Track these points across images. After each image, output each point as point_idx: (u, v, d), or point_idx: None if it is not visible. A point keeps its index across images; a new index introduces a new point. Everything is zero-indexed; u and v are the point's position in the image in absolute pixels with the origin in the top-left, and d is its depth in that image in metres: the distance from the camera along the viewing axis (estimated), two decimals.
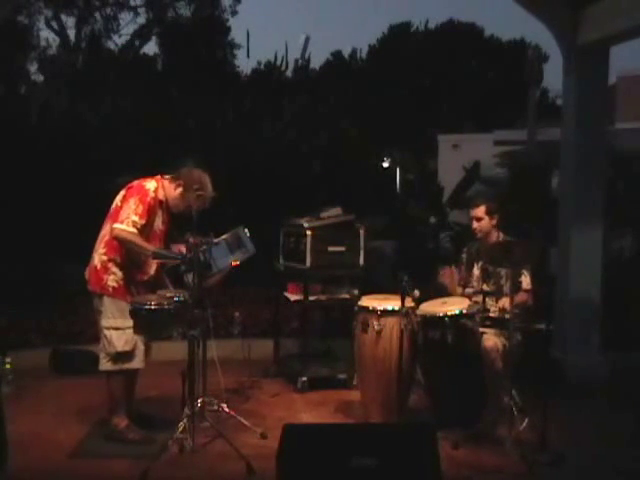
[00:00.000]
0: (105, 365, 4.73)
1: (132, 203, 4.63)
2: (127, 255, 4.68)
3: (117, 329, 4.65)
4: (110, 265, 4.68)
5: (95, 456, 4.61)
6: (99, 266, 4.69)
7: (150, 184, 4.76)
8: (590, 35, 6.28)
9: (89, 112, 8.80)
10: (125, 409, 4.82)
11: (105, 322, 4.69)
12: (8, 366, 5.89)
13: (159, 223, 4.79)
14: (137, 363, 4.73)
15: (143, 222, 4.61)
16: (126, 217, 4.59)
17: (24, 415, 5.11)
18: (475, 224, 5.28)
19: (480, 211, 5.25)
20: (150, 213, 4.67)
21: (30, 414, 5.26)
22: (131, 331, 4.59)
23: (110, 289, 4.67)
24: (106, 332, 4.69)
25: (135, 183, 4.78)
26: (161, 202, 4.78)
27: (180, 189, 4.78)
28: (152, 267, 4.81)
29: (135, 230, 4.57)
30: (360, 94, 16.95)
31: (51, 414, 5.32)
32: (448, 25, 26.34)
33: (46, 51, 20.45)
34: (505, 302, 4.92)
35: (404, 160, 11.55)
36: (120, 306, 4.66)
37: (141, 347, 4.71)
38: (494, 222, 5.25)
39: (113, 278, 4.67)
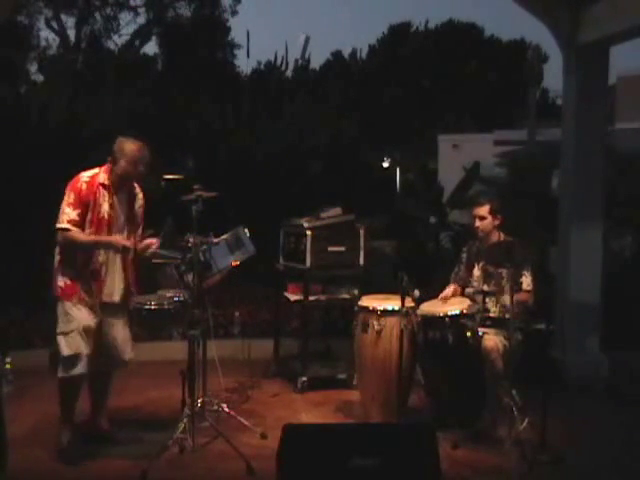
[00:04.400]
0: (59, 372, 4.62)
1: (66, 196, 4.52)
2: (74, 253, 4.54)
3: (64, 334, 4.54)
4: (62, 266, 4.57)
5: (95, 456, 4.60)
6: (55, 267, 4.60)
7: (88, 172, 4.61)
8: (590, 35, 6.28)
9: (89, 112, 8.80)
10: (73, 423, 4.68)
11: (57, 328, 4.59)
12: (8, 366, 5.88)
13: (106, 208, 4.55)
14: (80, 369, 4.54)
15: (78, 211, 4.46)
16: (61, 212, 4.49)
17: (24, 415, 5.11)
18: (477, 223, 5.22)
19: (484, 210, 5.20)
20: (84, 199, 4.49)
21: (30, 414, 5.26)
22: (74, 334, 4.49)
23: (59, 290, 4.56)
24: (57, 338, 4.58)
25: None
26: (103, 185, 4.56)
27: (115, 165, 4.60)
28: (100, 257, 4.59)
29: (70, 227, 4.45)
30: (360, 94, 16.94)
31: (51, 414, 5.31)
32: (448, 25, 26.38)
33: (46, 51, 20.47)
34: (506, 299, 4.91)
35: (404, 160, 11.57)
36: (64, 309, 4.54)
37: (85, 352, 4.52)
38: (497, 222, 5.20)
39: (62, 279, 4.56)
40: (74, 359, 4.52)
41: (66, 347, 4.53)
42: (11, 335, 6.64)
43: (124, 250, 4.61)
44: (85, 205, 4.50)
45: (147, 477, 4.19)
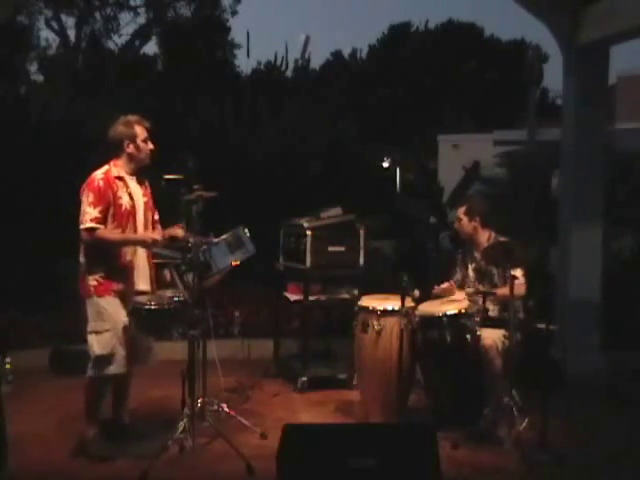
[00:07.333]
0: (89, 371, 4.60)
1: (84, 197, 4.50)
2: (102, 250, 4.52)
3: (96, 333, 4.51)
4: (89, 266, 4.54)
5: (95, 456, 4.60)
6: (83, 270, 4.57)
7: (100, 170, 4.59)
8: (590, 35, 6.29)
9: (89, 112, 8.80)
10: (98, 418, 4.65)
11: (88, 327, 4.56)
12: (8, 366, 5.89)
13: (127, 199, 4.56)
14: (115, 368, 4.53)
15: (100, 208, 4.44)
16: (82, 213, 4.46)
17: (24, 415, 5.11)
18: (456, 224, 5.43)
19: (460, 211, 5.37)
20: (104, 195, 4.47)
21: (30, 414, 5.26)
22: (108, 334, 4.48)
23: (91, 288, 4.52)
24: (88, 337, 4.56)
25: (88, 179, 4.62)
26: (119, 178, 4.57)
27: (121, 153, 4.62)
28: (128, 252, 4.60)
29: (96, 225, 4.42)
30: (360, 94, 16.94)
31: (51, 414, 5.32)
32: (448, 25, 26.40)
33: (46, 51, 20.47)
34: (505, 291, 4.89)
35: (404, 160, 11.56)
36: (98, 307, 4.50)
37: (121, 352, 4.51)
38: (475, 223, 5.31)
39: (93, 277, 4.51)
40: (108, 359, 4.51)
41: (99, 346, 4.51)
42: (11, 335, 6.64)
43: (153, 244, 4.64)
44: (106, 201, 4.47)
45: (147, 477, 4.19)
